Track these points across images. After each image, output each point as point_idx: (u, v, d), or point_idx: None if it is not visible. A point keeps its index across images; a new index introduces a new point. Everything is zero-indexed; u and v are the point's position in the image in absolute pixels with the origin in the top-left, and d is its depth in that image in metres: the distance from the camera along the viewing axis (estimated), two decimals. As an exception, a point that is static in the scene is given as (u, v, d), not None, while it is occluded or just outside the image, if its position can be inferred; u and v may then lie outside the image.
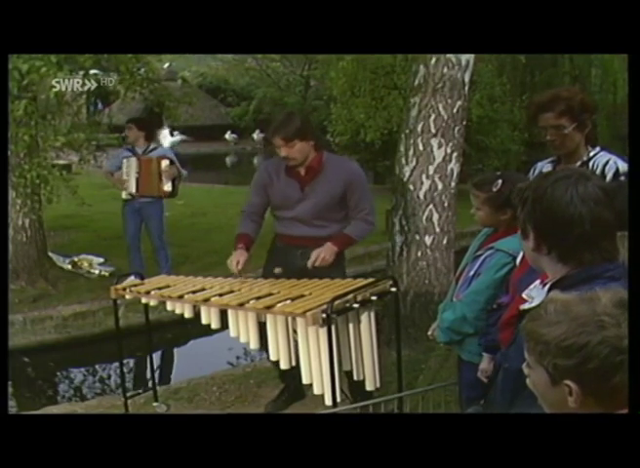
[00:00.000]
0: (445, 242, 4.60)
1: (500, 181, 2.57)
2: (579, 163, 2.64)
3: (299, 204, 3.60)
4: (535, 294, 1.54)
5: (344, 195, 3.56)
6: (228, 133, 21.36)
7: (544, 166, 2.81)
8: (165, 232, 6.27)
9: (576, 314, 1.15)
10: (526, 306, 1.55)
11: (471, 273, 2.68)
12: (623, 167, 2.57)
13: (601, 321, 1.13)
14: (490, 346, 2.48)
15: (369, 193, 3.67)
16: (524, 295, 1.69)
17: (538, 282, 1.63)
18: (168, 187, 6.04)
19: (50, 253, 6.79)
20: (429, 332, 2.95)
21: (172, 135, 18.75)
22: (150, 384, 4.28)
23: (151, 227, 6.18)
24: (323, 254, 3.49)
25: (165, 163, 5.98)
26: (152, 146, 6.16)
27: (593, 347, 1.12)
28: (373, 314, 3.32)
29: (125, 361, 4.36)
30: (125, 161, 6.08)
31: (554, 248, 1.50)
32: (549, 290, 1.48)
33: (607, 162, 2.62)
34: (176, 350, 6.08)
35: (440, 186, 4.51)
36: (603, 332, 1.12)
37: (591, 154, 2.67)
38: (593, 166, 2.62)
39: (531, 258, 1.58)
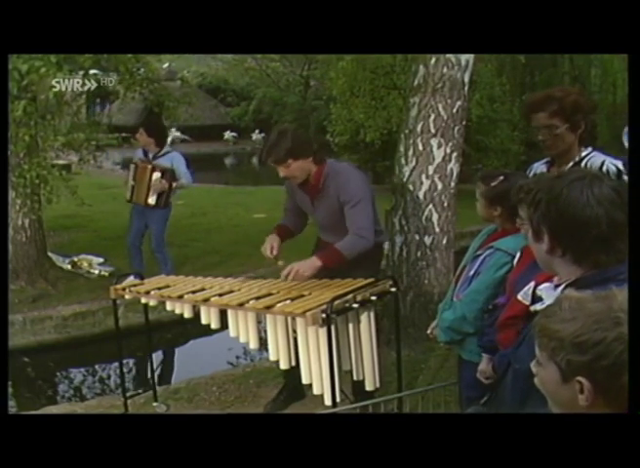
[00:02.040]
0: (445, 242, 4.60)
1: (500, 178, 2.59)
2: (571, 163, 2.64)
3: (314, 215, 3.66)
4: (545, 295, 1.53)
5: (343, 209, 3.45)
6: (227, 132, 21.38)
7: (539, 167, 2.81)
8: (164, 238, 6.23)
9: (591, 311, 1.15)
10: (538, 307, 1.54)
11: (471, 273, 2.69)
12: (619, 165, 2.56)
13: (617, 317, 1.13)
14: (488, 346, 2.49)
15: (364, 206, 3.43)
16: (519, 297, 1.68)
17: (532, 283, 1.62)
18: (152, 200, 5.99)
19: (50, 253, 6.79)
20: (429, 331, 2.95)
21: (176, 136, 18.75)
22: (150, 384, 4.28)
23: (151, 230, 6.17)
24: (297, 268, 3.37)
25: (156, 175, 5.92)
26: (164, 151, 6.09)
27: (609, 343, 1.12)
28: (372, 314, 3.32)
29: (125, 361, 4.36)
30: (130, 165, 6.13)
31: (569, 250, 1.49)
32: (562, 291, 1.47)
33: (602, 163, 2.61)
34: (175, 350, 6.08)
35: (440, 186, 4.51)
36: (619, 329, 1.12)
37: (583, 154, 2.66)
38: (586, 166, 2.61)
39: (543, 260, 1.56)
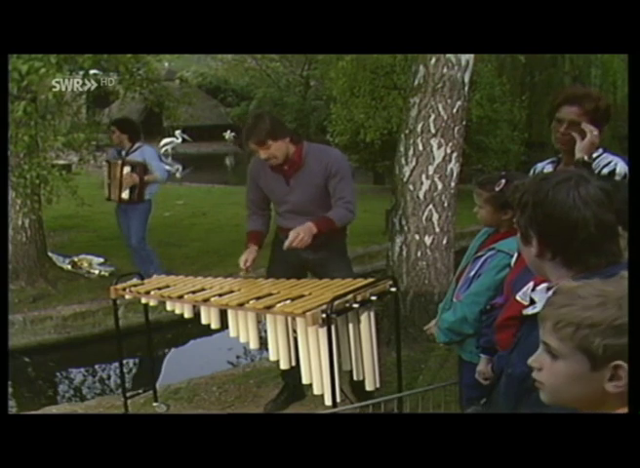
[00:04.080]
0: (445, 242, 4.61)
1: (502, 181, 2.57)
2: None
3: (287, 197, 3.64)
4: (538, 298, 1.51)
5: (328, 183, 3.56)
6: (228, 132, 21.40)
7: (545, 167, 2.80)
8: (144, 235, 6.16)
9: (614, 294, 1.14)
10: (529, 311, 1.53)
11: (471, 274, 2.68)
12: (620, 168, 2.56)
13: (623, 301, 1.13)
14: (486, 347, 2.48)
15: (350, 182, 3.62)
16: (518, 297, 1.68)
17: (531, 284, 1.61)
18: (125, 195, 5.99)
19: (50, 253, 6.80)
20: (425, 327, 2.95)
21: (177, 137, 18.78)
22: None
23: (130, 228, 6.11)
24: (302, 235, 3.43)
25: (126, 170, 5.92)
26: (135, 146, 6.08)
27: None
28: (373, 314, 3.32)
29: (125, 361, 4.36)
30: (104, 163, 6.16)
31: (559, 253, 1.47)
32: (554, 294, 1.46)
33: (609, 163, 2.60)
34: (175, 350, 6.08)
35: (440, 186, 4.51)
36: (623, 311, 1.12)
37: (594, 155, 2.65)
38: (595, 167, 2.60)
39: (533, 264, 1.54)
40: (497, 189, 2.57)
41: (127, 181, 5.93)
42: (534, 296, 1.54)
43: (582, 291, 1.18)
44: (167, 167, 6.92)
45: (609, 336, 1.13)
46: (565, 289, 1.21)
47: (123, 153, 6.07)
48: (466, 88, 4.51)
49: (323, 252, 3.58)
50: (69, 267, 6.85)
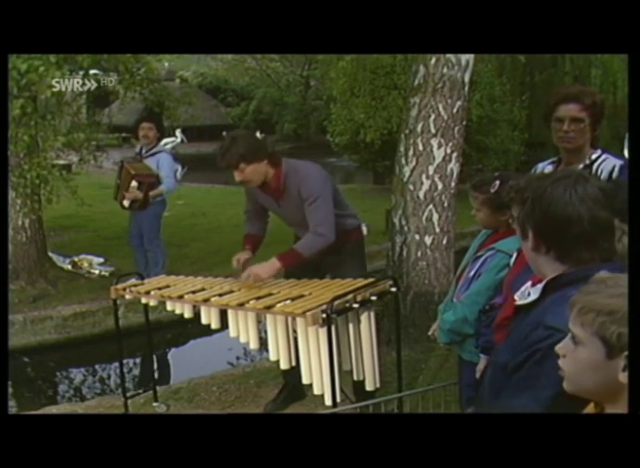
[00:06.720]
0: (445, 242, 4.61)
1: (497, 182, 2.56)
2: (581, 165, 2.62)
3: (281, 214, 3.65)
4: (532, 292, 1.56)
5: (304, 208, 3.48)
6: (224, 133, 21.43)
7: (545, 167, 2.80)
8: (157, 235, 6.15)
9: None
10: (520, 302, 1.57)
11: (471, 274, 2.68)
12: None
13: None
14: (486, 347, 2.48)
15: (323, 204, 3.44)
16: (516, 297, 1.69)
17: (529, 283, 1.63)
18: (126, 203, 5.97)
19: (50, 253, 6.80)
20: (430, 332, 2.95)
21: (177, 136, 18.78)
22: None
23: (142, 228, 6.11)
24: (255, 271, 3.42)
25: (133, 183, 5.84)
26: (156, 149, 6.06)
27: None
28: (373, 314, 3.32)
29: (125, 361, 4.36)
30: (119, 163, 6.13)
31: (553, 247, 1.52)
32: (545, 286, 1.51)
33: (613, 168, 2.59)
34: (175, 350, 6.08)
35: (440, 186, 4.51)
36: None
37: (593, 157, 2.65)
38: (597, 170, 2.60)
39: (530, 258, 1.59)
40: (492, 191, 2.56)
41: (130, 195, 5.89)
42: (530, 291, 1.58)
43: (611, 280, 1.21)
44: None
45: (624, 326, 1.15)
46: (597, 278, 1.24)
47: (144, 151, 6.02)
48: (466, 88, 4.51)
49: (340, 253, 3.56)
50: (69, 267, 6.85)
